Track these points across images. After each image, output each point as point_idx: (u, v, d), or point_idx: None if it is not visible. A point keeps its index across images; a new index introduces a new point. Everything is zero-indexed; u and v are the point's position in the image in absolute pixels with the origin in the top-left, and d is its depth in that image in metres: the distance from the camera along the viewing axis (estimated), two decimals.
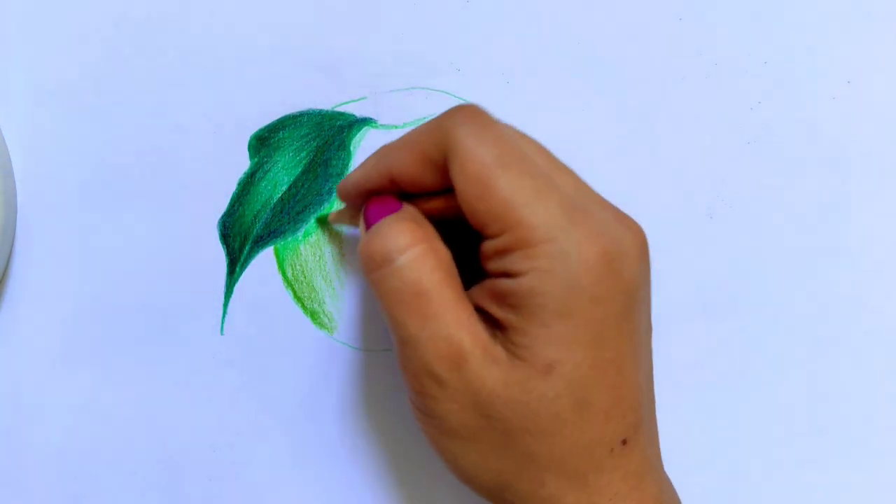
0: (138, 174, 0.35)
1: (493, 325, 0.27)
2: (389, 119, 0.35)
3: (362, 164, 0.30)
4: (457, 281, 0.27)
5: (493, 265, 0.26)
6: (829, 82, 0.36)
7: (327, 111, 0.35)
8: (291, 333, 0.35)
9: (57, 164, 0.35)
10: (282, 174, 0.35)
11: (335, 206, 0.35)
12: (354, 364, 0.35)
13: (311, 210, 0.35)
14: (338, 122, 0.35)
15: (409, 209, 0.28)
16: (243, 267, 0.35)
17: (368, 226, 0.28)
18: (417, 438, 0.35)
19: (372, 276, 0.27)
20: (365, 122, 0.35)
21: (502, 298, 0.26)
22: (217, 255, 0.35)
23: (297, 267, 0.35)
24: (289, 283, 0.35)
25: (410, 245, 0.26)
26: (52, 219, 0.35)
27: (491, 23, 0.35)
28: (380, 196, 0.29)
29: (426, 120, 0.35)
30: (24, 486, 0.35)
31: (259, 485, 0.35)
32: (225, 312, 0.35)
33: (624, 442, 0.27)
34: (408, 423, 0.35)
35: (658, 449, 0.29)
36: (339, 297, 0.35)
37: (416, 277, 0.26)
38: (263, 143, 0.35)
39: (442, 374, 0.26)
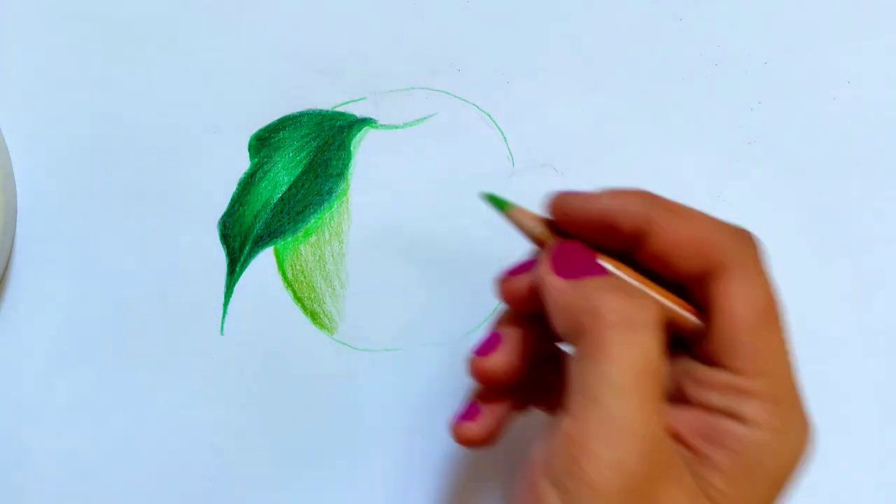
0: (138, 174, 0.35)
1: (692, 455, 0.25)
2: (389, 119, 0.35)
3: (609, 194, 0.27)
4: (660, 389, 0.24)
5: (717, 398, 0.25)
6: (829, 82, 0.36)
7: (327, 111, 0.35)
8: (291, 333, 0.35)
9: (57, 164, 0.35)
10: (282, 174, 0.35)
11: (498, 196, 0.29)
12: (354, 364, 0.35)
13: (311, 210, 0.35)
14: (338, 122, 0.35)
15: (650, 300, 0.25)
16: (243, 267, 0.35)
17: (562, 265, 0.26)
18: (417, 438, 0.35)
19: (615, 336, 0.23)
20: (365, 122, 0.35)
21: (719, 437, 0.25)
22: (217, 255, 0.35)
23: (297, 267, 0.35)
24: (289, 284, 0.35)
25: (658, 324, 0.24)
26: (52, 219, 0.35)
27: (491, 23, 0.36)
28: (598, 252, 0.26)
29: (426, 120, 0.35)
30: (23, 487, 0.35)
31: (259, 485, 0.35)
32: (225, 312, 0.35)
33: None
34: (407, 422, 0.35)
35: None
36: (339, 297, 0.35)
37: (658, 356, 0.23)
38: (263, 143, 0.35)
39: (636, 477, 0.22)
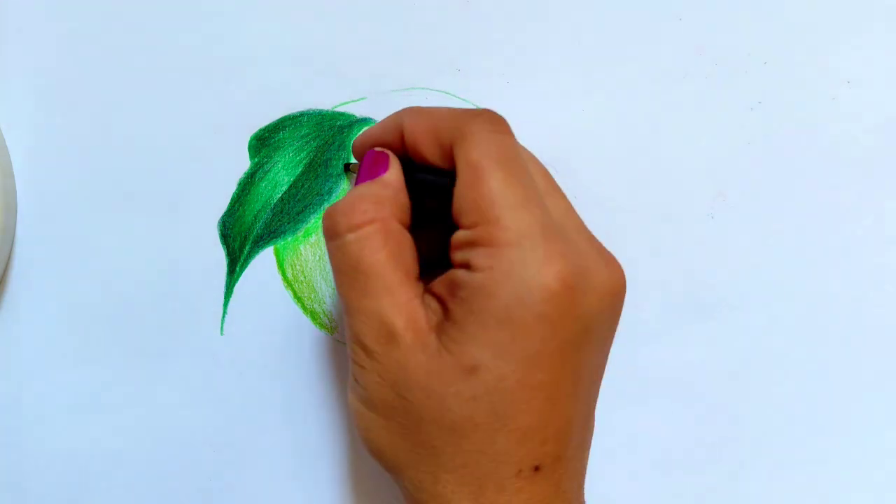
0: (138, 174, 0.35)
1: (444, 314, 0.27)
2: None
3: (381, 121, 0.31)
4: (406, 262, 0.27)
5: (458, 255, 0.27)
6: (829, 82, 0.36)
7: (327, 111, 0.35)
8: (291, 333, 0.35)
9: (57, 164, 0.35)
10: (282, 174, 0.35)
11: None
12: None
13: (311, 210, 0.35)
14: (338, 122, 0.35)
15: (386, 178, 0.29)
16: (243, 267, 0.35)
17: (358, 181, 0.30)
18: None
19: (327, 244, 0.28)
20: (365, 122, 0.35)
21: (455, 289, 0.26)
22: (217, 255, 0.35)
23: (297, 267, 0.35)
24: (289, 283, 0.35)
25: (361, 224, 0.27)
26: (52, 219, 0.35)
27: (491, 23, 0.36)
28: (377, 151, 0.30)
29: None
30: (24, 487, 0.35)
31: (259, 485, 0.35)
32: (225, 312, 0.35)
33: (536, 468, 0.26)
34: None
35: (580, 489, 0.29)
36: None
37: (358, 256, 0.27)
38: (263, 143, 0.35)
39: (371, 347, 0.27)
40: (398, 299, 0.27)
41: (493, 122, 0.28)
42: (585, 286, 0.26)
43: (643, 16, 0.36)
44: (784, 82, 0.36)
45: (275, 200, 0.35)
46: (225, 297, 0.35)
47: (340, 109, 0.35)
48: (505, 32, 0.36)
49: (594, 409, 0.29)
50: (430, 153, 0.28)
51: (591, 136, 0.36)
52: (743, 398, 0.35)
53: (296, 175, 0.35)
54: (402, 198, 0.29)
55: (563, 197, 0.29)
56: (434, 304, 0.27)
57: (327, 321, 0.35)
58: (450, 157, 0.28)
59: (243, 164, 0.35)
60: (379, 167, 0.29)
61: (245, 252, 0.35)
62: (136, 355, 0.35)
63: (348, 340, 0.28)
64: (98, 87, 0.35)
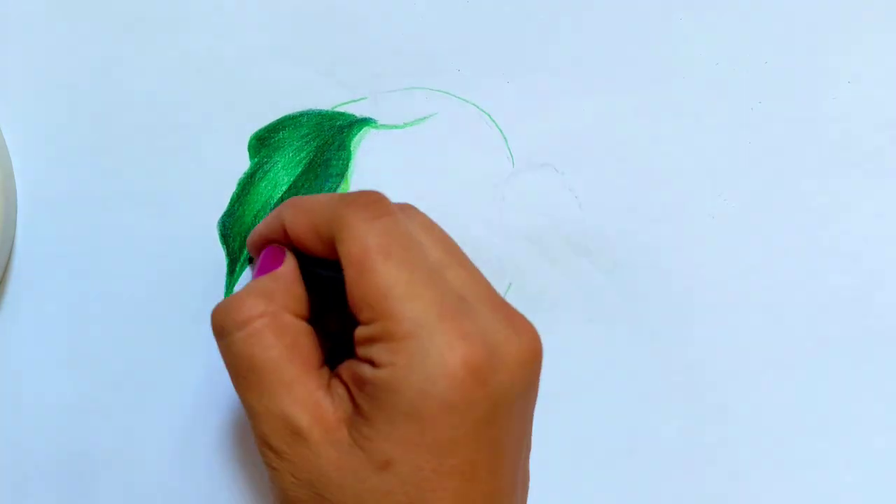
0: (138, 174, 0.35)
1: (353, 406, 0.26)
2: (389, 119, 0.35)
3: (266, 218, 0.31)
4: (304, 354, 0.27)
5: (361, 351, 0.26)
6: (829, 82, 0.36)
7: (327, 111, 0.35)
8: None
9: (57, 164, 0.35)
10: (282, 174, 0.35)
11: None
12: None
13: None
14: (338, 122, 0.35)
15: (278, 272, 0.29)
16: (243, 267, 0.35)
17: (253, 277, 0.29)
18: None
19: (218, 342, 0.28)
20: (365, 122, 0.35)
21: (362, 384, 0.26)
22: (217, 255, 0.35)
23: None
24: None
25: (249, 320, 0.27)
26: (52, 219, 0.35)
27: (491, 23, 0.36)
28: (273, 247, 0.30)
29: (426, 120, 0.35)
30: (24, 486, 0.35)
31: (259, 485, 0.35)
32: None
33: None
34: None
35: None
36: None
37: (250, 354, 0.26)
38: (263, 143, 0.35)
39: (279, 447, 0.26)
40: (298, 395, 0.26)
41: (368, 206, 0.27)
42: (494, 363, 0.25)
43: (643, 16, 0.36)
44: (784, 82, 0.36)
45: (275, 200, 0.35)
46: (225, 297, 0.35)
47: (340, 109, 0.35)
48: (505, 32, 0.36)
49: (526, 468, 0.29)
50: (316, 249, 0.28)
51: (591, 136, 0.36)
52: (743, 398, 0.35)
53: (296, 175, 0.35)
54: (297, 289, 0.28)
55: (466, 263, 0.28)
56: (341, 390, 0.26)
57: None
58: (334, 250, 0.27)
59: (243, 164, 0.35)
60: (273, 262, 0.29)
61: (245, 252, 0.35)
62: (136, 355, 0.35)
63: (256, 443, 0.27)
64: (98, 87, 0.35)
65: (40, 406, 0.35)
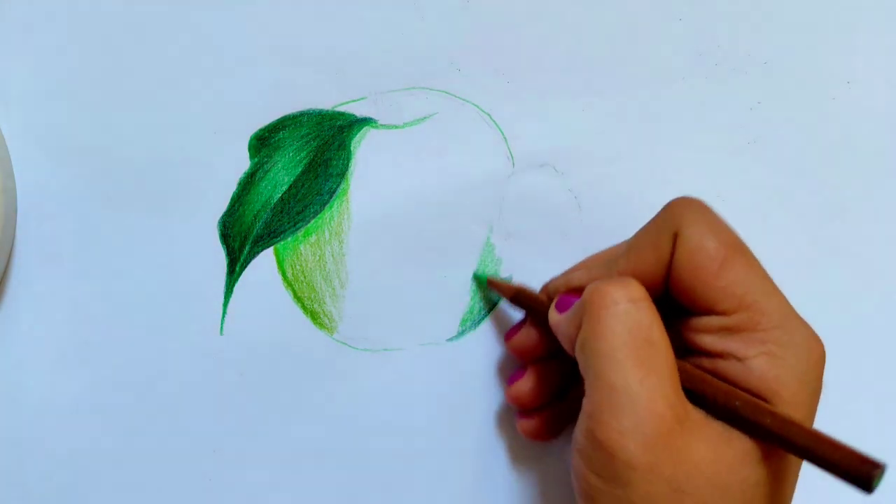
0: (138, 174, 0.35)
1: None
2: (389, 119, 0.35)
3: (582, 268, 0.31)
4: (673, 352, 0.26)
5: (712, 342, 0.27)
6: (829, 82, 0.36)
7: (327, 111, 0.35)
8: (291, 333, 0.35)
9: (57, 164, 0.35)
10: (282, 174, 0.35)
11: (484, 265, 0.35)
12: (354, 364, 0.35)
13: (311, 210, 0.35)
14: (338, 122, 0.35)
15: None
16: (243, 267, 0.35)
17: (564, 304, 0.29)
18: (417, 438, 0.35)
19: (600, 311, 0.26)
20: (365, 122, 0.35)
21: (722, 379, 0.26)
22: (217, 255, 0.35)
23: (297, 267, 0.35)
24: (289, 284, 0.35)
25: (644, 297, 0.26)
26: (52, 219, 0.35)
27: (491, 23, 0.36)
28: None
29: (426, 120, 0.35)
30: (24, 486, 0.35)
31: (259, 485, 0.35)
32: (225, 312, 0.35)
33: None
34: (407, 422, 0.35)
35: None
36: (339, 297, 0.35)
37: (649, 324, 0.25)
38: (263, 143, 0.35)
39: (650, 436, 0.24)
40: (677, 382, 0.25)
41: (702, 208, 0.28)
42: (825, 360, 0.27)
43: (643, 16, 0.36)
44: (784, 82, 0.36)
45: (275, 200, 0.35)
46: (225, 297, 0.35)
47: (340, 109, 0.35)
48: (505, 32, 0.36)
49: None
50: (659, 275, 0.28)
51: (591, 136, 0.36)
52: None
53: (296, 175, 0.35)
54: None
55: None
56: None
57: (327, 321, 0.35)
58: (665, 265, 0.27)
59: (243, 164, 0.35)
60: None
61: (245, 252, 0.35)
62: (136, 355, 0.35)
63: (602, 439, 0.25)
64: (98, 88, 0.35)
65: (40, 406, 0.35)
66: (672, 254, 0.27)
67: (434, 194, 0.35)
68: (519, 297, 0.33)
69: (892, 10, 0.36)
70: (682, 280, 0.27)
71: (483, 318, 0.35)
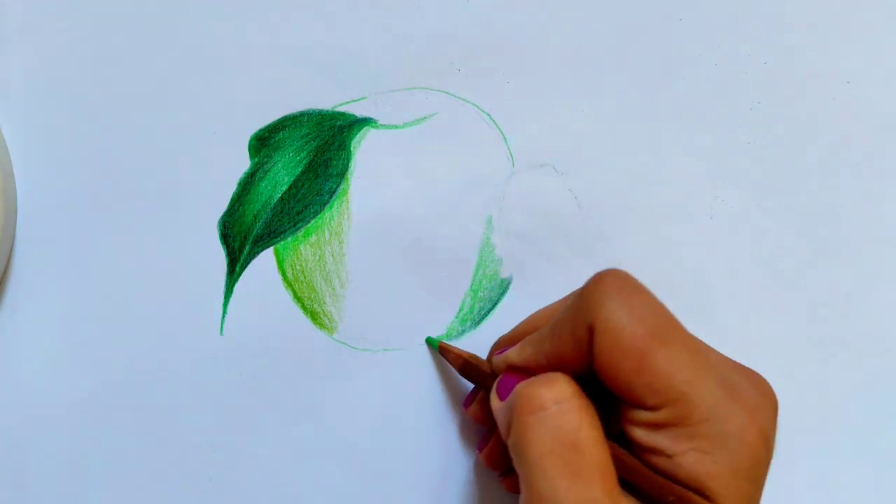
0: (138, 174, 0.35)
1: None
2: (389, 119, 0.35)
3: (519, 343, 0.29)
4: (608, 448, 0.25)
5: (642, 437, 0.26)
6: (829, 82, 0.36)
7: (327, 111, 0.35)
8: (291, 333, 0.35)
9: (57, 164, 0.35)
10: (282, 174, 0.35)
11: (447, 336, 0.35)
12: (354, 364, 0.35)
13: (311, 210, 0.35)
14: (338, 122, 0.35)
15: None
16: (243, 267, 0.35)
17: (504, 389, 0.28)
18: (417, 438, 0.35)
19: (525, 418, 0.25)
20: (365, 122, 0.35)
21: (656, 472, 0.26)
22: (217, 255, 0.35)
23: (297, 267, 0.35)
24: (289, 284, 0.35)
25: (571, 397, 0.25)
26: (52, 219, 0.35)
27: (491, 23, 0.36)
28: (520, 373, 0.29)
29: (426, 120, 0.35)
30: (24, 486, 0.35)
31: (259, 485, 0.35)
32: (225, 312, 0.35)
33: None
34: (407, 422, 0.35)
35: None
36: (339, 297, 0.35)
37: (576, 428, 0.25)
38: (263, 143, 0.35)
39: None
40: (610, 486, 0.24)
41: (621, 290, 0.26)
42: (771, 429, 0.26)
43: (643, 16, 0.36)
44: (784, 82, 0.36)
45: (275, 200, 0.35)
46: (225, 297, 0.35)
47: (340, 109, 0.35)
48: (505, 32, 0.36)
49: None
50: (580, 360, 0.27)
51: (591, 136, 0.36)
52: None
53: (296, 175, 0.35)
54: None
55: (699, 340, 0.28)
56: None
57: (327, 321, 0.35)
58: (586, 348, 0.26)
59: (243, 164, 0.35)
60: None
61: (245, 252, 0.35)
62: (136, 355, 0.35)
63: None
64: (98, 87, 0.35)
65: (40, 406, 0.35)
66: (590, 343, 0.26)
67: (434, 194, 0.35)
68: (466, 368, 0.32)
69: (892, 10, 0.36)
70: (604, 374, 0.26)
71: (483, 318, 0.35)
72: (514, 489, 0.32)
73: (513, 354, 0.29)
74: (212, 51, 0.35)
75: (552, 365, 0.27)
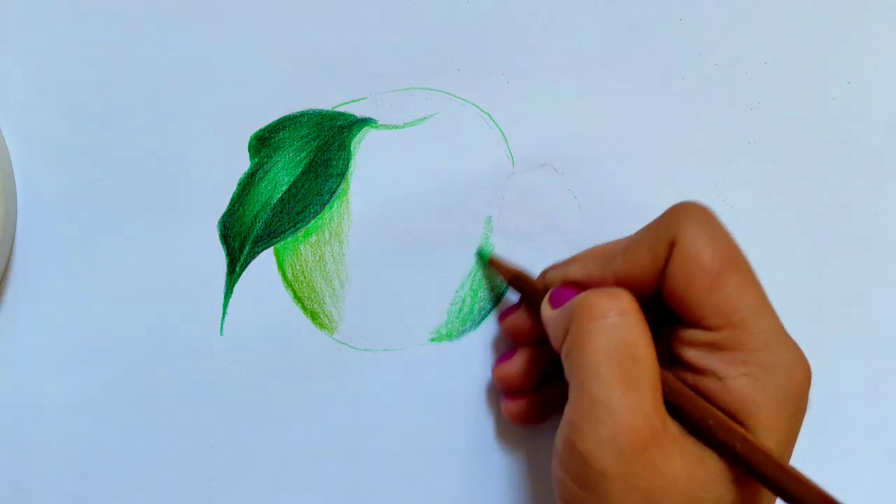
0: (138, 174, 0.35)
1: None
2: (389, 119, 0.35)
3: (580, 261, 0.30)
4: (659, 366, 0.26)
5: (696, 357, 0.26)
6: (829, 82, 0.36)
7: (327, 111, 0.35)
8: (291, 333, 0.35)
9: (57, 164, 0.35)
10: (282, 174, 0.35)
11: (487, 249, 0.35)
12: (354, 364, 0.35)
13: (312, 210, 0.35)
14: (338, 122, 0.35)
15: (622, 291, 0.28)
16: (243, 267, 0.35)
17: (559, 299, 0.29)
18: (417, 438, 0.35)
19: (587, 324, 0.26)
20: (365, 122, 0.35)
21: (703, 396, 0.26)
22: (217, 255, 0.35)
23: (297, 267, 0.35)
24: (289, 284, 0.35)
25: (634, 311, 0.26)
26: (52, 219, 0.35)
27: (491, 23, 0.36)
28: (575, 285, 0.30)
29: (426, 120, 0.35)
30: (24, 487, 0.35)
31: (259, 485, 0.35)
32: (225, 313, 0.35)
33: None
34: (408, 422, 0.35)
35: None
36: (339, 297, 0.35)
37: (635, 340, 0.26)
38: (263, 143, 0.35)
39: (626, 449, 0.25)
40: (658, 398, 0.25)
41: (703, 216, 0.27)
42: (810, 381, 0.27)
43: (643, 16, 0.36)
44: (784, 82, 0.36)
45: (275, 200, 0.35)
46: (225, 297, 0.35)
47: (340, 109, 0.35)
48: (505, 32, 0.36)
49: None
50: (656, 280, 0.28)
51: (591, 136, 0.36)
52: None
53: (296, 175, 0.35)
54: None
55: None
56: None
57: (327, 321, 0.35)
58: (659, 272, 0.27)
59: (243, 164, 0.35)
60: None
61: (245, 252, 0.35)
62: (136, 355, 0.35)
63: (580, 447, 0.25)
64: (98, 88, 0.35)
65: (40, 406, 0.35)
66: (667, 260, 0.27)
67: (434, 194, 0.35)
68: (516, 280, 0.33)
69: (892, 10, 0.36)
70: (675, 290, 0.27)
71: (483, 318, 0.35)
72: (518, 416, 0.33)
73: (574, 270, 0.30)
74: (212, 51, 0.35)
75: (618, 282, 0.28)
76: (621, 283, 0.28)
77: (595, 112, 0.36)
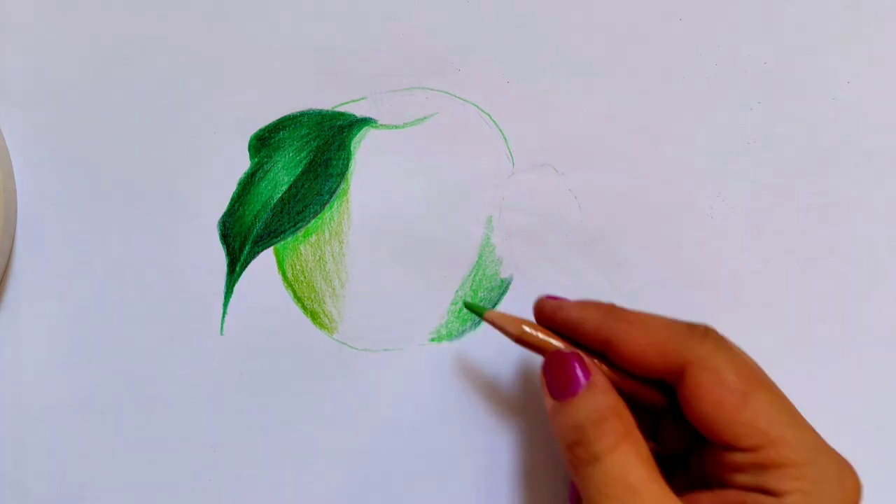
0: (138, 174, 0.35)
1: None
2: (389, 119, 0.35)
3: (584, 306, 0.30)
4: (660, 475, 0.26)
5: (743, 479, 0.27)
6: (829, 82, 0.36)
7: (327, 111, 0.35)
8: (291, 333, 0.35)
9: (57, 164, 0.35)
10: (282, 174, 0.35)
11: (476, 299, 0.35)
12: (354, 364, 0.35)
13: (311, 210, 0.35)
14: (338, 122, 0.35)
15: (601, 381, 0.28)
16: (243, 267, 0.35)
17: (554, 380, 0.29)
18: (418, 438, 0.35)
19: (580, 470, 0.27)
20: (365, 122, 0.35)
21: None
22: (217, 255, 0.35)
23: (297, 267, 0.35)
24: (289, 284, 0.35)
25: (614, 446, 0.26)
26: (52, 219, 0.35)
27: (491, 23, 0.36)
28: (573, 354, 0.29)
29: (426, 120, 0.35)
30: (24, 487, 0.35)
31: (259, 485, 0.35)
32: (225, 312, 0.35)
33: None
34: (408, 423, 0.35)
35: None
36: (339, 297, 0.35)
37: (622, 472, 0.26)
38: (263, 143, 0.35)
39: None
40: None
41: (719, 339, 0.28)
42: (861, 488, 0.27)
43: (643, 16, 0.36)
44: (784, 82, 0.36)
45: (275, 200, 0.35)
46: (225, 297, 0.35)
47: (340, 109, 0.35)
48: (505, 32, 0.36)
49: None
50: (653, 370, 0.28)
51: (591, 136, 0.36)
52: None
53: (296, 175, 0.35)
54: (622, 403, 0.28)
55: None
56: None
57: (327, 321, 0.35)
58: (673, 371, 0.28)
59: (243, 164, 0.35)
60: (582, 372, 0.29)
61: (245, 252, 0.35)
62: (136, 355, 0.35)
63: None
64: (98, 88, 0.35)
65: (40, 406, 0.35)
66: (681, 378, 0.27)
67: (434, 194, 0.35)
68: (522, 342, 0.31)
69: (892, 10, 0.36)
70: (703, 413, 0.27)
71: None
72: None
73: (572, 311, 0.30)
74: (212, 51, 0.35)
75: (610, 343, 0.29)
76: (613, 346, 0.28)
77: (595, 112, 0.36)
